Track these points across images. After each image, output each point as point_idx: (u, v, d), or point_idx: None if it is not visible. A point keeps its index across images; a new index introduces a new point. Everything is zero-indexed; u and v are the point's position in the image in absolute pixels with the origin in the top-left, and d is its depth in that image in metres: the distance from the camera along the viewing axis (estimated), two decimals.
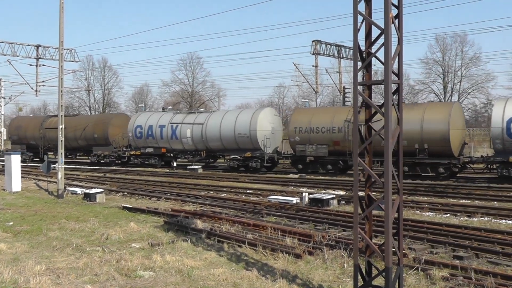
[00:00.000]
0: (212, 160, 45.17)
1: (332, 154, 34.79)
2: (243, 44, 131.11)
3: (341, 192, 26.10)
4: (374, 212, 9.45)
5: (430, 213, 19.98)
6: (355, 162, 9.07)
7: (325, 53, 47.16)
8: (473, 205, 21.53)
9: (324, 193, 24.18)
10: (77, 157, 57.06)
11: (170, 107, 59.46)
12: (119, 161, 47.88)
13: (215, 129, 40.02)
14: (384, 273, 8.66)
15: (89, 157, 51.07)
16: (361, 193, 9.22)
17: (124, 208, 21.40)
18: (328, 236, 14.45)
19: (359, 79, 9.05)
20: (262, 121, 38.52)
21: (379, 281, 8.93)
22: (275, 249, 13.20)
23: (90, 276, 11.33)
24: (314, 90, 54.62)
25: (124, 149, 47.49)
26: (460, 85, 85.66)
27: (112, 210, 21.24)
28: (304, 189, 27.36)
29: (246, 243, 13.95)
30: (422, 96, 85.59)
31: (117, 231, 16.27)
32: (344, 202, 22.60)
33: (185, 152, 43.44)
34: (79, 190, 26.90)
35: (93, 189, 26.33)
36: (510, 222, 17.99)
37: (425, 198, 24.07)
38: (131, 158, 46.43)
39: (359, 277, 9.08)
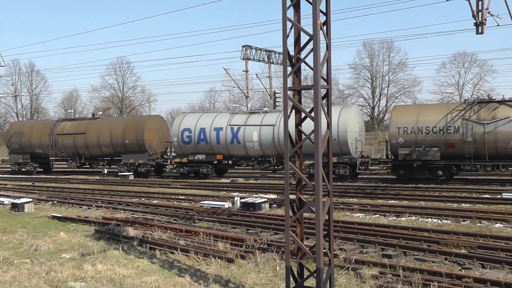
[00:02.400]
0: (281, 167, 36.18)
1: (444, 158, 29.47)
2: (174, 49, 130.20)
3: (273, 196, 26.28)
4: (305, 214, 9.55)
5: (360, 214, 20.41)
6: (286, 166, 9.17)
7: (256, 58, 47.49)
8: (401, 205, 22.13)
9: (256, 197, 24.29)
10: (99, 166, 45.56)
11: (100, 112, 57.54)
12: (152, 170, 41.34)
13: (291, 132, 35.18)
14: (315, 274, 8.77)
15: (117, 167, 42.65)
16: (292, 196, 9.33)
17: (54, 217, 20.73)
18: (260, 239, 14.48)
19: (289, 84, 9.16)
20: (351, 121, 32.95)
21: (311, 282, 9.06)
22: (208, 254, 13.13)
23: None
24: (245, 95, 54.94)
25: (166, 156, 41.10)
26: (387, 90, 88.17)
27: (41, 220, 20.55)
28: (236, 194, 27.45)
29: (179, 250, 13.82)
30: (351, 100, 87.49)
31: (46, 241, 15.73)
32: (275, 205, 22.75)
33: (247, 158, 36.51)
34: (6, 200, 25.87)
35: (21, 198, 25.42)
36: (436, 220, 18.64)
37: (355, 199, 24.56)
38: (174, 167, 39.70)
39: (291, 279, 9.15)
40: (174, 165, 38.68)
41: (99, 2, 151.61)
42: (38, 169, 48.01)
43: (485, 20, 22.30)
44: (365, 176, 34.51)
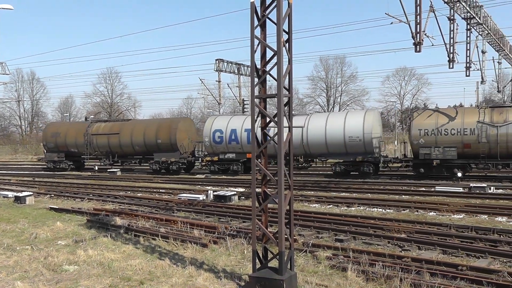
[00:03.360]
0: (307, 165, 35.82)
1: (460, 157, 28.69)
2: (157, 61, 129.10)
3: (241, 189, 26.18)
4: (270, 205, 9.56)
5: (316, 204, 20.45)
6: (253, 164, 9.13)
7: (227, 70, 47.29)
8: (351, 197, 22.27)
9: (227, 191, 24.20)
10: (131, 164, 44.21)
11: (92, 116, 56.47)
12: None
13: (319, 133, 31.77)
14: (278, 256, 8.78)
15: (149, 164, 40.02)
16: (258, 190, 9.32)
17: (51, 209, 20.23)
18: (230, 227, 14.42)
19: (256, 93, 9.13)
20: (374, 123, 31.41)
21: (274, 263, 9.02)
22: (185, 240, 12.99)
23: (20, 273, 10.57)
24: (217, 102, 54.74)
25: (197, 154, 38.70)
26: (340, 98, 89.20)
27: (41, 211, 20.01)
28: (209, 188, 27.24)
29: (160, 236, 13.64)
30: (309, 107, 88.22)
31: (45, 230, 15.32)
32: (243, 197, 22.62)
33: (275, 157, 35.83)
34: (10, 194, 25.21)
35: (23, 192, 24.79)
36: (380, 210, 18.80)
37: (312, 192, 24.56)
38: (204, 165, 37.51)
39: (257, 260, 9.13)
40: (205, 163, 36.96)
41: (93, 18, 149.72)
42: (72, 167, 44.97)
43: (422, 40, 22.66)
44: (386, 173, 33.43)
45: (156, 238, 13.64)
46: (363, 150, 30.59)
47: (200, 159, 37.92)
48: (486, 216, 16.85)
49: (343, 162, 31.52)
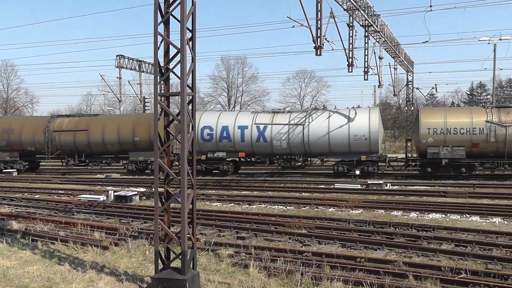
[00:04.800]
0: (304, 165, 33.56)
1: (468, 156, 28.33)
2: (56, 55, 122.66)
3: (142, 189, 25.66)
4: (172, 204, 9.44)
5: (218, 203, 20.49)
6: (155, 163, 8.97)
7: (128, 67, 46.05)
8: (253, 195, 22.58)
9: (128, 191, 23.62)
10: (100, 164, 39.12)
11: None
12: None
13: (321, 131, 30.13)
14: (180, 256, 8.69)
15: (124, 165, 36.15)
16: (161, 189, 9.17)
17: None
18: (132, 228, 14.09)
19: (159, 90, 8.98)
20: (379, 121, 30.37)
21: (177, 263, 8.91)
22: (85, 243, 12.48)
23: None
24: (118, 99, 53.13)
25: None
26: (241, 98, 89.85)
27: None
28: (110, 188, 26.41)
29: (59, 240, 12.97)
30: (210, 106, 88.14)
31: None
32: (145, 197, 22.17)
33: (272, 156, 32.15)
34: None
35: None
36: (281, 207, 19.23)
37: (214, 191, 24.61)
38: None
39: (160, 261, 8.99)
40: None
41: None
42: (27, 167, 39.37)
43: (323, 44, 23.41)
44: (390, 172, 32.60)
45: (55, 242, 12.93)
46: (367, 149, 29.61)
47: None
48: (383, 211, 17.83)
49: (347, 162, 30.09)
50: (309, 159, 32.56)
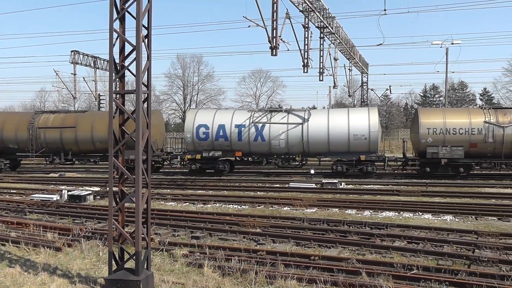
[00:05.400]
0: (302, 164, 32.29)
1: (466, 156, 28.38)
2: (8, 49, 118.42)
3: (97, 188, 25.16)
4: (127, 204, 9.27)
5: (172, 202, 20.30)
6: (110, 161, 8.78)
7: (83, 63, 45.13)
8: (208, 194, 22.49)
9: (82, 190, 23.09)
10: (89, 163, 36.20)
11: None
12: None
13: (321, 130, 29.54)
14: (134, 257, 8.55)
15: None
16: (115, 189, 8.99)
17: None
18: (85, 228, 13.77)
19: (114, 88, 8.81)
20: (378, 121, 29.99)
21: (131, 264, 8.77)
22: (37, 244, 12.09)
23: None
24: (73, 96, 51.99)
25: (175, 152, 33.47)
26: (197, 97, 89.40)
27: None
28: (64, 187, 25.75)
29: (10, 241, 12.51)
30: (166, 104, 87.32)
31: None
32: (99, 197, 21.73)
33: (269, 155, 31.26)
34: None
35: None
36: (236, 206, 19.21)
37: (169, 190, 24.34)
38: (186, 163, 32.08)
39: (114, 262, 8.82)
40: (187, 162, 32.02)
41: None
42: (8, 166, 36.52)
43: (278, 45, 23.58)
44: (388, 172, 31.76)
45: (6, 243, 12.47)
46: (367, 149, 29.32)
47: (179, 157, 33.43)
48: (337, 210, 18.08)
49: (346, 161, 29.61)
50: (305, 158, 31.86)
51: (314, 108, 33.51)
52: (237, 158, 31.54)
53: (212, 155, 31.29)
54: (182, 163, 32.79)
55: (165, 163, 34.38)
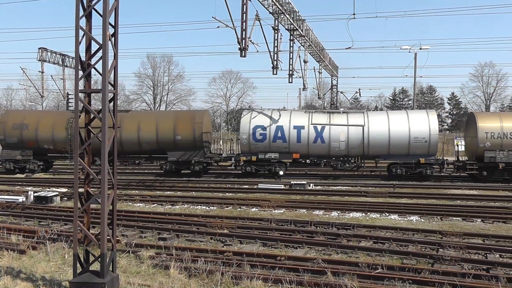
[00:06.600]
0: (359, 167, 32.01)
1: None
2: None
3: (64, 190, 24.66)
4: (93, 205, 9.09)
5: (140, 204, 20.10)
6: (76, 162, 8.59)
7: (51, 60, 44.18)
8: (176, 195, 22.33)
9: (49, 191, 22.59)
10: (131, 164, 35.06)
11: None
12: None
13: (381, 132, 28.88)
14: (100, 259, 8.39)
15: (160, 165, 32.34)
16: (81, 190, 8.81)
17: None
18: (51, 230, 13.53)
19: (81, 87, 8.63)
20: (437, 124, 29.47)
21: (96, 266, 8.61)
22: (1, 247, 11.79)
23: None
24: (40, 94, 50.97)
25: (228, 154, 32.21)
26: (167, 97, 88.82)
27: None
28: (30, 188, 25.16)
29: None
30: (135, 104, 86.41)
31: None
32: (66, 198, 21.30)
33: (328, 157, 30.23)
34: None
35: None
36: (204, 207, 19.16)
37: (137, 191, 24.09)
38: (241, 165, 30.84)
39: (78, 265, 8.63)
40: (241, 164, 30.76)
41: None
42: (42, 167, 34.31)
43: (247, 46, 23.55)
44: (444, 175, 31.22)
45: None
46: (426, 151, 28.76)
47: (233, 158, 31.87)
48: (305, 210, 18.19)
49: (404, 164, 29.06)
50: (362, 161, 31.43)
51: (284, 109, 33.05)
52: (295, 160, 30.57)
53: (269, 157, 30.19)
54: (236, 165, 31.69)
55: (214, 164, 33.24)
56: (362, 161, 30.57)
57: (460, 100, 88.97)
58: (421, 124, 28.84)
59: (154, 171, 34.85)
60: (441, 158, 30.06)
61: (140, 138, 31.35)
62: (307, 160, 31.20)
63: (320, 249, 12.16)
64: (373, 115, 30.61)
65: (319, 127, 29.72)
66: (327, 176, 31.00)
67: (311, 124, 29.88)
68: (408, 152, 28.88)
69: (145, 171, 35.30)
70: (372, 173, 32.54)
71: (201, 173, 31.40)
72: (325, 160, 30.58)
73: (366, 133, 29.12)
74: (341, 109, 32.98)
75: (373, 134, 29.07)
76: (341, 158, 30.09)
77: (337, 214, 17.58)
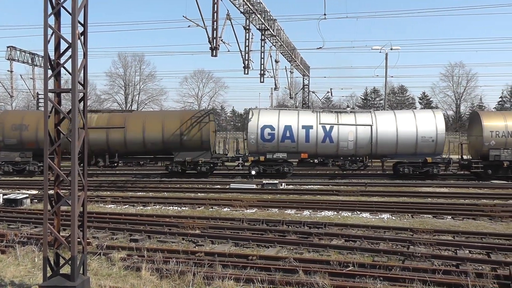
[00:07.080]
0: (365, 166, 31.75)
1: None
2: None
3: (34, 192, 24.16)
4: (63, 207, 8.92)
5: (112, 205, 19.86)
6: (45, 163, 8.43)
7: (20, 59, 43.28)
8: (148, 196, 22.13)
9: (19, 193, 22.07)
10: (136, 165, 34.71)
11: None
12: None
13: (389, 132, 28.99)
14: (70, 262, 8.25)
15: (166, 165, 32.04)
16: (51, 191, 8.63)
17: None
18: (21, 233, 13.25)
19: (50, 86, 8.47)
20: (444, 123, 29.64)
21: (67, 269, 8.45)
22: None
23: None
24: (9, 94, 49.85)
25: (235, 154, 31.86)
26: (139, 97, 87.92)
27: None
28: None
29: None
30: (107, 104, 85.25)
31: None
32: (36, 200, 20.90)
33: (336, 157, 30.22)
34: None
35: None
36: (176, 208, 19.03)
37: (109, 192, 23.77)
38: (248, 166, 30.29)
39: (49, 268, 8.47)
40: (250, 164, 30.17)
41: None
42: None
43: (219, 46, 23.48)
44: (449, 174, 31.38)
45: None
46: (433, 150, 29.03)
47: (240, 158, 31.29)
48: (277, 210, 18.24)
49: (411, 163, 29.18)
50: (370, 160, 31.29)
51: (256, 108, 32.77)
52: (303, 160, 30.35)
53: (277, 157, 29.96)
54: (243, 165, 31.26)
55: (219, 164, 32.52)
56: (370, 160, 30.66)
57: (431, 99, 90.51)
58: (428, 124, 29.11)
59: (158, 172, 34.40)
60: (447, 157, 30.44)
61: (145, 138, 30.73)
62: (315, 160, 31.19)
63: (292, 248, 12.22)
64: (381, 115, 30.64)
65: (327, 127, 29.66)
66: (335, 176, 31.13)
67: (320, 123, 29.77)
68: (416, 151, 29.13)
69: (150, 172, 34.61)
70: (378, 172, 32.84)
71: (208, 174, 31.03)
72: (332, 160, 30.75)
73: (374, 133, 29.22)
74: (348, 108, 32.84)
75: (381, 134, 29.18)
76: (349, 158, 30.17)
77: (309, 213, 17.68)
